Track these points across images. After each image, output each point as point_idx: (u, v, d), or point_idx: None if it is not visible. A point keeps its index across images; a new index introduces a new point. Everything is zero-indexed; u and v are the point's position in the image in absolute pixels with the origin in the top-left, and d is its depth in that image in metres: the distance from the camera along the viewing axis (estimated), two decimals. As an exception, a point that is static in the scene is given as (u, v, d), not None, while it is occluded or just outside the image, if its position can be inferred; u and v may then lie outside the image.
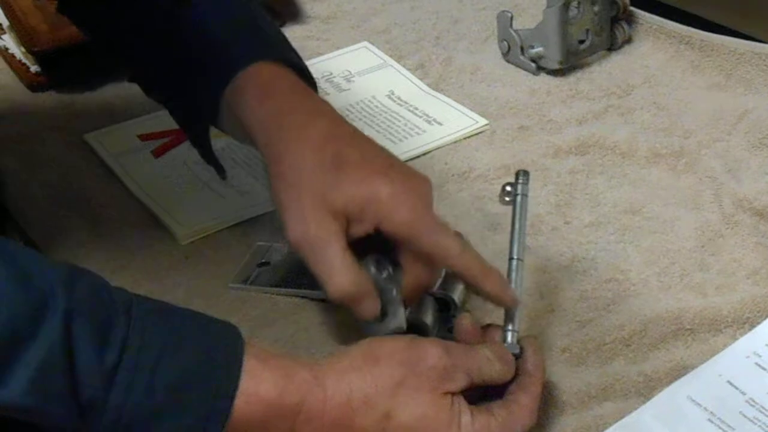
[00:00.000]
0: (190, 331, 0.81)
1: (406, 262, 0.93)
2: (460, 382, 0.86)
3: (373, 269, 0.92)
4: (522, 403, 0.87)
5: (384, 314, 0.92)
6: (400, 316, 0.92)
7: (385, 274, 0.93)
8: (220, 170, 1.09)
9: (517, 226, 0.93)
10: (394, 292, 0.93)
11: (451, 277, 1.01)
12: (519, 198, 0.94)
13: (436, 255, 0.91)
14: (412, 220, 0.90)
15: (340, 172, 0.90)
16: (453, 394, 0.85)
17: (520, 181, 0.95)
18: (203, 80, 1.01)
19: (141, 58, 1.08)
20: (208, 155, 1.06)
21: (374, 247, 0.92)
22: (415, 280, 0.93)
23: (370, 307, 0.91)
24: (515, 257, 0.92)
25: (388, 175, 0.91)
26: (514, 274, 0.91)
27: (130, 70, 1.13)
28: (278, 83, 0.98)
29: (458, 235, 1.01)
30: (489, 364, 0.87)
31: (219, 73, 0.99)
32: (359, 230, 0.91)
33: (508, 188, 1.15)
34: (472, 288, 0.92)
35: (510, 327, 0.90)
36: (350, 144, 0.93)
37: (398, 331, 0.91)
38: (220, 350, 0.81)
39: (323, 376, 0.83)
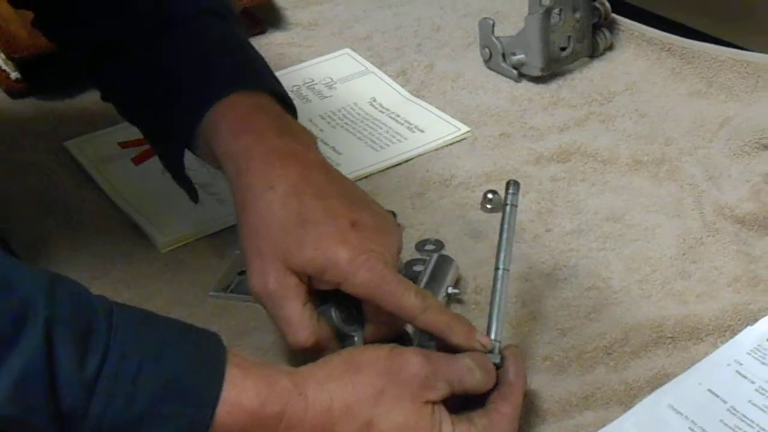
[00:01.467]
0: (172, 339, 0.80)
1: (369, 313, 0.93)
2: (441, 391, 0.85)
3: (335, 315, 0.93)
4: (503, 412, 0.87)
5: None
6: None
7: (348, 320, 0.94)
8: (192, 193, 1.08)
9: (504, 236, 0.93)
10: (356, 338, 0.94)
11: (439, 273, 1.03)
12: (508, 208, 0.94)
13: (398, 316, 0.91)
14: (372, 282, 0.90)
15: (302, 232, 0.91)
16: (434, 403, 0.85)
17: (511, 191, 0.94)
18: (180, 107, 1.00)
19: (117, 80, 1.07)
20: (180, 178, 1.06)
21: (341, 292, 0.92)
22: (377, 330, 0.94)
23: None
24: (501, 267, 0.92)
25: (348, 240, 0.90)
26: (500, 284, 0.91)
27: (103, 90, 1.12)
28: (255, 117, 0.97)
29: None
30: (470, 373, 0.87)
31: (197, 102, 0.99)
32: (321, 287, 0.92)
33: (490, 196, 1.15)
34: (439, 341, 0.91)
35: (491, 336, 0.90)
36: (317, 196, 0.92)
37: None
38: (203, 359, 0.80)
39: (304, 385, 0.83)
